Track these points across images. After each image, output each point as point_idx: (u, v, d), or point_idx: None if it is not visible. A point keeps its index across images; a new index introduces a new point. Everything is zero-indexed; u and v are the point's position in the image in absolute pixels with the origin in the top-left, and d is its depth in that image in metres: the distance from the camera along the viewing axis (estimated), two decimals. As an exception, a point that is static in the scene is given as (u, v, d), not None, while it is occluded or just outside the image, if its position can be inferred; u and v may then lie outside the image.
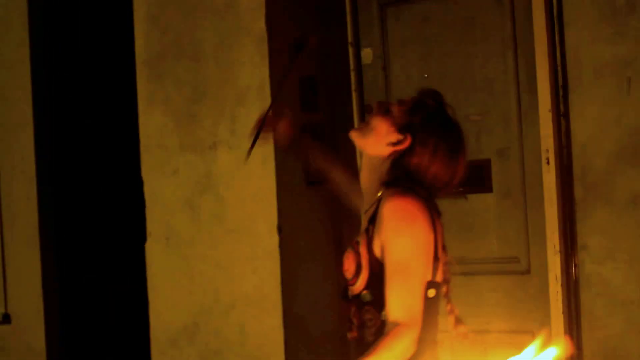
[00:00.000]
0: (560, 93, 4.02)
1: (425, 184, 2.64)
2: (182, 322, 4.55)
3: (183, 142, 4.56)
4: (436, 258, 2.59)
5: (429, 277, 2.57)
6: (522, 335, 4.13)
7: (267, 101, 4.33)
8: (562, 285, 3.99)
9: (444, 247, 2.66)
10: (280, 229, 4.31)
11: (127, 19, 4.71)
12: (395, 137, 2.66)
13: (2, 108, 5.18)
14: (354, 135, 2.75)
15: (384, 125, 2.68)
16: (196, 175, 4.52)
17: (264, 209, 4.35)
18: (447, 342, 2.78)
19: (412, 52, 4.41)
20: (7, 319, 5.15)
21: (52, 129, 5.18)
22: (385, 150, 2.67)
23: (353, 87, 4.53)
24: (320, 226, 4.49)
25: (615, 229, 3.91)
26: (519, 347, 4.26)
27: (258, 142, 2.89)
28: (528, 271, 4.13)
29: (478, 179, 4.22)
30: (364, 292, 2.60)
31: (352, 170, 4.50)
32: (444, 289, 2.65)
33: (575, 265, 3.99)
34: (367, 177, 2.72)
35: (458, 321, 2.69)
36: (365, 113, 2.71)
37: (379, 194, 2.64)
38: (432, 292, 2.59)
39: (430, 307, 2.58)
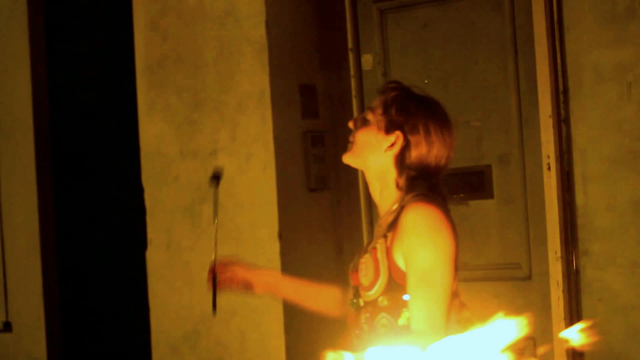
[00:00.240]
0: (561, 98, 4.02)
1: (432, 172, 2.64)
2: (183, 330, 4.55)
3: (183, 149, 4.56)
4: (456, 267, 2.60)
5: (454, 287, 2.57)
6: (522, 341, 4.11)
7: (267, 108, 4.34)
8: (563, 291, 3.99)
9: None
10: (280, 236, 4.30)
11: (127, 26, 4.71)
12: (387, 140, 2.65)
13: (2, 114, 5.18)
14: (348, 160, 2.73)
15: (371, 135, 2.67)
16: (196, 183, 4.52)
17: (264, 215, 4.34)
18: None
19: (412, 58, 4.40)
20: (7, 327, 5.14)
21: (52, 136, 5.17)
22: (385, 157, 2.66)
23: (353, 93, 4.53)
24: (321, 233, 4.49)
25: (616, 235, 3.91)
26: (520, 354, 4.24)
27: (217, 293, 2.90)
28: (529, 277, 4.13)
29: (479, 185, 4.22)
30: (381, 298, 2.59)
31: (353, 177, 4.54)
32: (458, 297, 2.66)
33: (576, 271, 3.98)
34: (377, 188, 2.69)
35: (462, 305, 2.69)
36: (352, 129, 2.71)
37: (395, 203, 2.63)
38: (455, 302, 2.60)
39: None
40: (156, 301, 4.63)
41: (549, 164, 4.03)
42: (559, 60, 4.02)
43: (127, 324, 5.34)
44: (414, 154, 2.63)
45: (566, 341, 2.05)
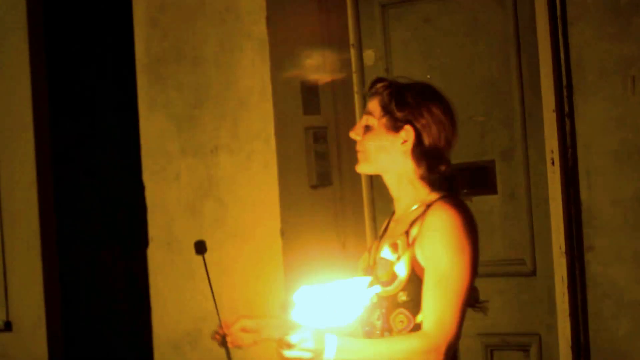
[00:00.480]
0: (565, 93, 4.00)
1: (445, 154, 2.68)
2: (185, 328, 4.54)
3: (184, 147, 4.55)
4: (476, 273, 2.61)
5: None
6: (528, 337, 4.10)
7: (269, 104, 4.33)
8: (568, 286, 3.97)
9: None
10: (283, 233, 4.29)
11: (127, 23, 4.70)
12: (399, 137, 2.67)
13: (2, 111, 5.17)
14: (364, 169, 2.75)
15: (381, 139, 2.68)
16: (198, 180, 4.51)
17: (266, 212, 4.33)
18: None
19: (414, 53, 4.39)
20: (8, 326, 5.14)
21: (52, 133, 5.16)
22: (401, 155, 2.67)
23: (355, 89, 4.52)
24: (323, 229, 4.47)
25: (621, 230, 3.89)
26: (525, 350, 4.23)
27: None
28: (534, 273, 4.11)
29: (482, 180, 4.20)
30: (401, 293, 2.60)
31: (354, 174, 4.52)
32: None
33: (581, 267, 3.97)
34: (397, 187, 2.71)
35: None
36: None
37: (417, 200, 2.65)
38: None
39: None
40: (157, 299, 4.63)
41: (552, 159, 4.01)
42: (562, 55, 4.01)
43: (129, 322, 5.33)
44: (427, 141, 2.66)
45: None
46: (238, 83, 4.41)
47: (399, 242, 2.62)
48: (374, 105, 2.71)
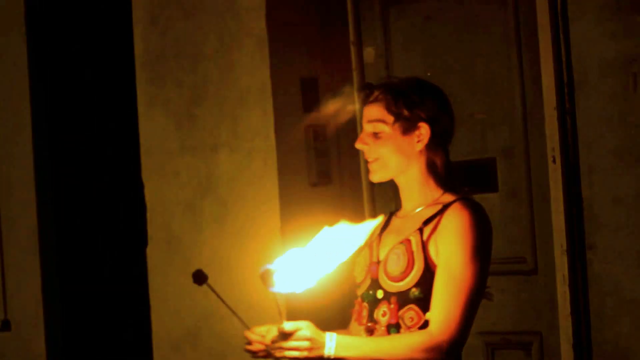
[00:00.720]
0: (566, 90, 3.99)
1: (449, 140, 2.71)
2: (185, 327, 4.53)
3: (184, 145, 4.54)
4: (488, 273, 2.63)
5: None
6: (529, 336, 4.09)
7: (268, 102, 4.32)
8: (569, 285, 3.96)
9: None
10: (282, 231, 4.28)
11: (126, 20, 4.69)
12: (414, 136, 2.67)
13: (0, 110, 5.16)
14: (380, 178, 2.73)
15: (399, 142, 2.68)
16: (197, 178, 4.50)
17: (266, 211, 4.32)
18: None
19: (415, 50, 4.38)
20: (6, 325, 5.12)
21: (50, 132, 5.16)
22: (418, 154, 2.68)
23: (355, 87, 4.50)
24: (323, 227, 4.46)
25: (623, 228, 3.88)
26: (526, 349, 4.22)
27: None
28: (535, 271, 4.10)
29: (483, 178, 4.20)
30: (414, 289, 2.59)
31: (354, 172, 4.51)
32: None
33: (582, 265, 3.96)
34: (409, 185, 2.71)
35: None
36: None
37: (430, 199, 2.67)
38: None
39: None
40: (157, 298, 4.62)
41: (554, 157, 4.00)
42: (563, 52, 4.00)
43: (128, 321, 5.31)
44: (440, 132, 2.68)
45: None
46: (238, 81, 4.40)
47: (412, 239, 2.62)
48: (377, 111, 2.69)
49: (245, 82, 4.38)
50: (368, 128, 2.70)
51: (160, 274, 4.61)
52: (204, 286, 2.87)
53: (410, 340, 2.52)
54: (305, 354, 2.49)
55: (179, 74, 4.55)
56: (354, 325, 2.76)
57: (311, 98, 4.46)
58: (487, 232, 2.61)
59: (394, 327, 2.61)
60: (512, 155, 4.16)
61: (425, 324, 2.57)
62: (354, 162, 4.46)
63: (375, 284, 2.67)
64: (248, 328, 2.64)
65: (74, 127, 5.44)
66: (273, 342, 2.49)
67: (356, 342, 2.55)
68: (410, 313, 2.59)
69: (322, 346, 2.48)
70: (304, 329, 2.49)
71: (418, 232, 2.62)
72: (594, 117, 3.94)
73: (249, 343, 2.67)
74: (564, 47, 4.00)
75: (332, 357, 2.49)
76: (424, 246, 2.59)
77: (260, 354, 2.70)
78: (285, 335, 2.48)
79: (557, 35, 4.01)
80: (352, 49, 4.51)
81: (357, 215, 4.51)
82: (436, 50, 4.34)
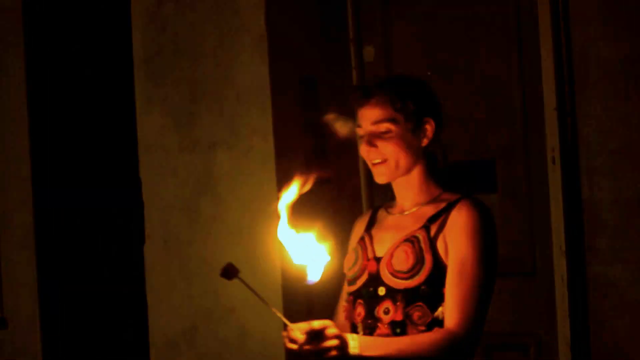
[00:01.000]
0: (566, 91, 3.99)
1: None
2: (182, 326, 4.52)
3: (182, 142, 4.53)
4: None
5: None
6: (527, 337, 4.08)
7: (267, 100, 4.31)
8: (568, 286, 3.96)
9: None
10: (281, 230, 4.26)
11: (125, 17, 4.67)
12: (421, 132, 2.68)
13: (-2, 107, 5.16)
14: (388, 178, 2.71)
15: (408, 141, 2.67)
16: (195, 176, 4.49)
17: (264, 209, 4.30)
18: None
19: (415, 49, 4.38)
20: (2, 323, 5.12)
21: (47, 129, 5.14)
22: (422, 151, 2.69)
23: (355, 85, 4.50)
24: (322, 227, 4.44)
25: (622, 229, 3.88)
26: (524, 350, 4.20)
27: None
28: (533, 272, 4.10)
29: (482, 178, 4.19)
30: (423, 287, 2.59)
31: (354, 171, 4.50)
32: None
33: (581, 266, 3.95)
34: (409, 184, 2.71)
35: None
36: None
37: (430, 196, 2.68)
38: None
39: None
40: (154, 296, 4.61)
41: (553, 158, 4.00)
42: (564, 53, 3.99)
43: (125, 319, 5.30)
44: (439, 125, 2.70)
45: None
46: (236, 78, 4.39)
47: (418, 236, 2.62)
48: (383, 112, 2.67)
49: (244, 80, 4.37)
50: (373, 129, 2.68)
51: (158, 272, 4.60)
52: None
53: (433, 338, 2.52)
54: (334, 353, 2.47)
55: (177, 72, 4.54)
56: (344, 323, 2.74)
57: (310, 96, 4.45)
58: (493, 229, 2.64)
59: (399, 325, 2.59)
60: (512, 156, 4.16)
61: (432, 322, 2.57)
62: (352, 161, 4.45)
63: (376, 281, 2.66)
64: (288, 324, 2.57)
65: (71, 124, 5.43)
66: (305, 343, 2.45)
67: (379, 341, 2.55)
68: (418, 310, 2.59)
69: (347, 345, 2.48)
70: (330, 326, 2.47)
71: (424, 229, 2.62)
72: (595, 118, 3.94)
73: (292, 340, 2.52)
74: (564, 48, 4.00)
75: (356, 355, 2.48)
76: (432, 243, 2.59)
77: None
78: (315, 334, 2.45)
79: (558, 36, 4.02)
80: (352, 47, 4.51)
81: (355, 213, 4.50)
82: (436, 50, 4.34)
